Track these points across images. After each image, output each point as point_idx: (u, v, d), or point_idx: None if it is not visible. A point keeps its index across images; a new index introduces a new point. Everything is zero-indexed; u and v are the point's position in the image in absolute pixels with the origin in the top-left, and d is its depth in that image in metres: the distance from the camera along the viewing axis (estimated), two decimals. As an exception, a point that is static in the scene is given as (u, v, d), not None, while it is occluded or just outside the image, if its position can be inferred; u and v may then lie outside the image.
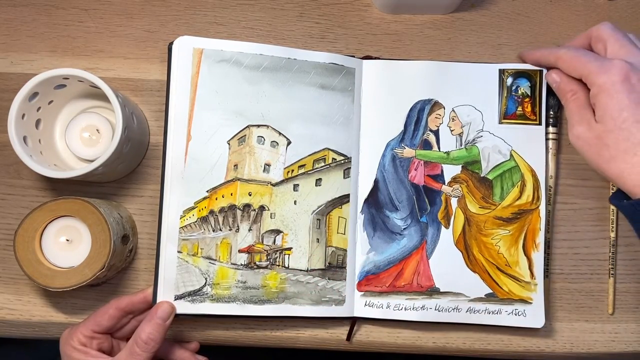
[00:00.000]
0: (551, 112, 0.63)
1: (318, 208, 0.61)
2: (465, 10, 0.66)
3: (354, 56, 0.63)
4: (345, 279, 0.61)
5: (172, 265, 0.58)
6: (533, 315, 0.60)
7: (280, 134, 0.61)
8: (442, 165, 0.62)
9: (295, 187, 0.61)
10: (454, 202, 0.62)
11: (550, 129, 0.63)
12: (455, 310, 0.60)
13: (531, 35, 0.66)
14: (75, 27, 0.65)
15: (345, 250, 0.61)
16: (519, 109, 0.63)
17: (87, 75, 0.55)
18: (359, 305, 0.61)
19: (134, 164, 0.63)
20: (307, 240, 0.61)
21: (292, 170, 0.61)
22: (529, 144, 0.62)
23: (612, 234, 0.63)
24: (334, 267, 0.61)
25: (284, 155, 0.61)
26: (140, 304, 0.57)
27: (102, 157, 0.55)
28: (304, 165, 0.61)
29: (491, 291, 0.60)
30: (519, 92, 0.63)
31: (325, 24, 0.66)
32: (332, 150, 0.61)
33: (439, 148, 0.62)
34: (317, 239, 0.61)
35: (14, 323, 0.62)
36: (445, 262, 0.61)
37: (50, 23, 0.65)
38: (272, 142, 0.60)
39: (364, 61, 0.63)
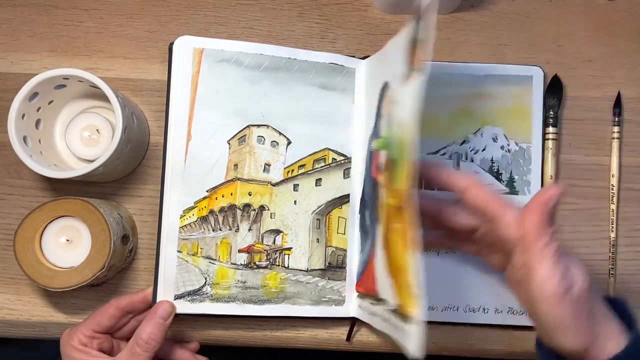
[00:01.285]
0: (551, 112, 0.63)
1: (318, 208, 0.61)
2: (465, 10, 0.66)
3: (354, 56, 0.63)
4: (345, 279, 0.61)
5: (172, 264, 0.58)
6: None
7: (280, 133, 0.61)
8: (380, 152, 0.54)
9: (295, 187, 0.61)
10: None
11: (550, 129, 0.63)
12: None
13: (531, 35, 0.66)
14: (75, 27, 0.65)
15: (345, 250, 0.61)
16: None
17: (87, 75, 0.55)
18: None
19: (134, 164, 0.63)
20: (307, 240, 0.61)
21: (292, 170, 0.61)
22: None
23: (612, 234, 0.63)
24: (334, 267, 0.61)
25: (284, 155, 0.61)
26: (140, 303, 0.57)
27: (102, 157, 0.55)
28: (304, 165, 0.61)
29: None
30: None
31: (325, 24, 0.66)
32: (332, 150, 0.61)
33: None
34: (317, 239, 0.61)
35: (14, 323, 0.62)
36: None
37: (50, 23, 0.65)
38: (272, 141, 0.60)
39: (364, 61, 0.63)
